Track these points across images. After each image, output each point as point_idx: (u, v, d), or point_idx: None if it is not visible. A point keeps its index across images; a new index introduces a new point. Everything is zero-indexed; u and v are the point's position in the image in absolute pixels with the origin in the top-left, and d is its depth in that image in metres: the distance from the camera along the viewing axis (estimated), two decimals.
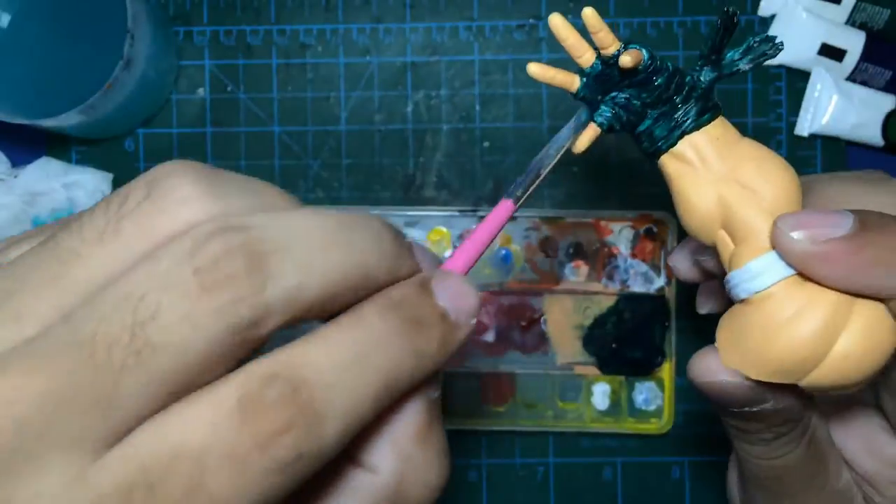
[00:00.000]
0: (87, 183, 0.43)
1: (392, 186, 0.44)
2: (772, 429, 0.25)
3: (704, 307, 0.34)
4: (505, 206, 0.24)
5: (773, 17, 0.43)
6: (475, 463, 0.44)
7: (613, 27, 0.44)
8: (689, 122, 0.24)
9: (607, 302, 0.42)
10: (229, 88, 0.44)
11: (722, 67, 0.25)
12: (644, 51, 0.24)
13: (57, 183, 0.42)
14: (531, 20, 0.44)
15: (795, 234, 0.22)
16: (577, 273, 0.42)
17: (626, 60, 0.24)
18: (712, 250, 0.25)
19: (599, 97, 0.26)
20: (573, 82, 0.26)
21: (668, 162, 0.25)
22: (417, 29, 0.44)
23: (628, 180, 0.44)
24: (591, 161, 0.44)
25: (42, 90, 0.39)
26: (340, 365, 0.17)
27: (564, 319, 0.43)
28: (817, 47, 0.43)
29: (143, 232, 0.17)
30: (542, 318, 0.43)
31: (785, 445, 0.26)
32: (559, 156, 0.25)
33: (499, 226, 0.23)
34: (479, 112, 0.44)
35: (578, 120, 0.26)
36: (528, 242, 0.43)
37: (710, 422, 0.43)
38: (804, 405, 0.25)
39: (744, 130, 0.43)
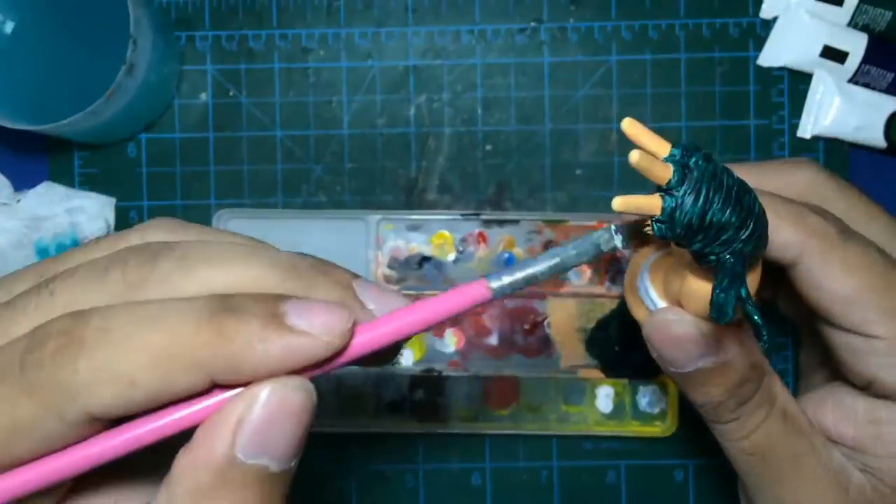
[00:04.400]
0: (90, 208, 0.43)
1: (394, 190, 0.44)
2: (731, 392, 0.27)
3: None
4: (479, 290, 0.21)
5: (774, 19, 0.43)
6: (479, 466, 0.43)
7: (615, 30, 0.44)
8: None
9: (611, 305, 0.42)
10: (231, 93, 0.44)
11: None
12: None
13: (60, 208, 0.42)
14: (533, 23, 0.44)
15: None
16: (580, 276, 0.42)
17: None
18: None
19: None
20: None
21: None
22: (419, 33, 0.44)
23: (632, 183, 0.43)
24: (594, 164, 0.44)
25: (44, 96, 0.40)
26: (131, 319, 0.19)
27: (568, 323, 0.42)
28: (819, 49, 0.43)
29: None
30: (546, 322, 0.42)
31: (753, 414, 0.27)
32: (559, 272, 0.24)
33: (461, 307, 0.21)
34: (481, 115, 0.44)
35: (597, 249, 0.24)
36: (531, 246, 0.43)
37: None
38: (752, 365, 0.27)
39: (746, 132, 0.44)
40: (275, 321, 0.19)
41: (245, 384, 0.19)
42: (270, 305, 0.19)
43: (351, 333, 0.20)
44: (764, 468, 0.28)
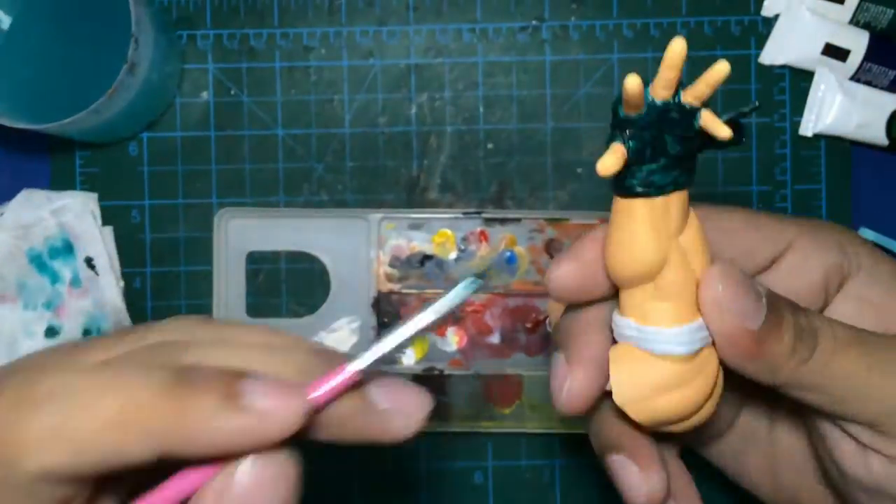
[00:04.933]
0: (74, 206, 0.43)
1: (396, 189, 0.44)
2: None
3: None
4: (348, 375, 0.21)
5: (776, 17, 0.43)
6: (481, 465, 0.43)
7: (617, 28, 0.44)
8: (684, 179, 0.25)
9: None
10: (233, 92, 0.44)
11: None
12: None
13: (44, 212, 0.42)
14: (534, 22, 0.44)
15: (728, 319, 0.23)
16: None
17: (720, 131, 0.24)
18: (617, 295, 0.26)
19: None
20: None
21: (639, 205, 0.25)
22: (421, 31, 0.44)
23: None
24: (594, 162, 0.44)
25: (45, 95, 0.40)
26: (88, 383, 0.19)
27: None
28: (821, 47, 0.43)
29: None
30: (548, 320, 0.42)
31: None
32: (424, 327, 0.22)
33: (338, 392, 0.21)
34: (482, 114, 0.44)
35: (459, 297, 0.23)
36: (533, 244, 0.43)
37: None
38: None
39: (747, 130, 0.43)
40: (230, 401, 0.19)
41: (202, 460, 0.19)
42: (228, 383, 0.19)
43: (306, 414, 0.20)
44: None
